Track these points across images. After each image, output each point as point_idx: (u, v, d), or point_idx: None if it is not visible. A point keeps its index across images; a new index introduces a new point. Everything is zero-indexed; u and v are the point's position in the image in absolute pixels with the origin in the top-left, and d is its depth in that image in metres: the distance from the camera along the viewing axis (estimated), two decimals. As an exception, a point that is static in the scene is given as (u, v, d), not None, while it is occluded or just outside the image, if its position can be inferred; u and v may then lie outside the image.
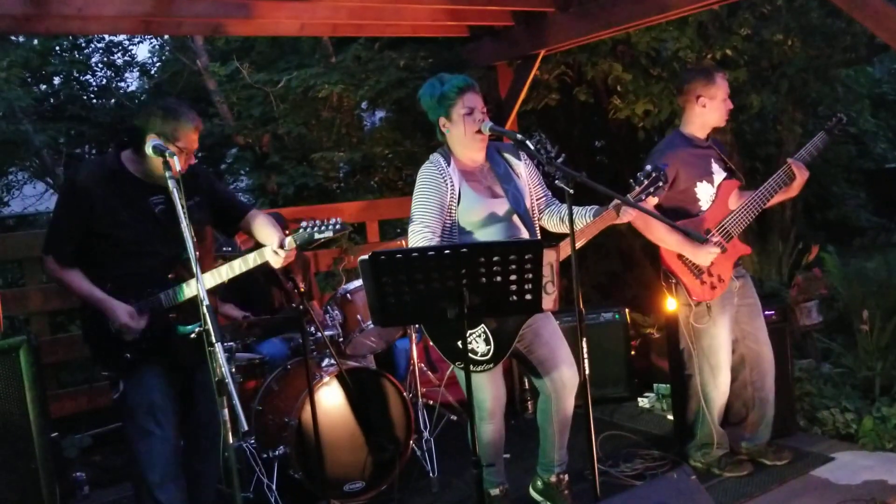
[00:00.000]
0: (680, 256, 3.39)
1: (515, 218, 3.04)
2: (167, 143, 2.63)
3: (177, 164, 2.40)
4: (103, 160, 2.81)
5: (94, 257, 2.74)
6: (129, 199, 2.72)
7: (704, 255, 3.33)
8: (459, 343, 2.88)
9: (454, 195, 2.97)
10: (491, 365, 2.97)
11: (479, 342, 2.96)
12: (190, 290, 2.73)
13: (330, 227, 2.72)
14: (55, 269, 2.74)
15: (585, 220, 2.97)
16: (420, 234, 2.91)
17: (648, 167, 2.88)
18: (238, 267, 2.76)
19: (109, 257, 2.72)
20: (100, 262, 2.74)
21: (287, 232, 2.87)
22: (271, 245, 2.75)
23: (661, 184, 2.87)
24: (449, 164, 3.01)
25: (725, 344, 3.44)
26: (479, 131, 2.96)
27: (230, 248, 3.15)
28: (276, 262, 2.76)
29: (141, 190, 2.75)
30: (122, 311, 2.67)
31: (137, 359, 2.72)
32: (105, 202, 2.68)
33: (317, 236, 2.72)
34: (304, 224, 2.74)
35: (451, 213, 2.98)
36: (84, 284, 2.72)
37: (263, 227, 2.93)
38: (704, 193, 3.43)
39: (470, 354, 2.91)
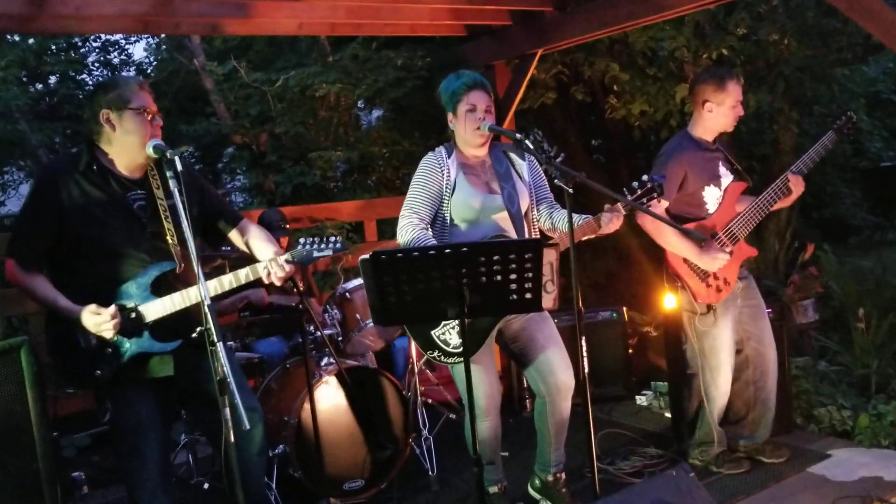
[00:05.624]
0: (685, 260, 3.37)
1: (506, 216, 3.05)
2: (120, 111, 2.48)
3: (178, 164, 2.31)
4: (75, 154, 2.59)
5: (65, 261, 2.53)
6: (103, 194, 2.51)
7: (714, 262, 3.31)
8: (433, 332, 2.97)
9: (449, 185, 3.00)
10: (462, 359, 2.96)
11: (452, 334, 2.98)
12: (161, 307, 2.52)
13: (329, 246, 2.56)
14: (17, 273, 2.50)
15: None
16: (406, 220, 2.95)
17: (644, 177, 2.83)
18: (228, 283, 2.56)
19: (82, 261, 2.51)
20: (70, 267, 2.53)
21: (283, 243, 2.73)
22: (266, 262, 2.57)
23: (654, 195, 2.83)
24: (450, 156, 3.05)
25: (727, 345, 3.43)
26: (478, 129, 2.99)
27: (229, 248, 3.12)
28: (271, 278, 2.57)
29: (117, 184, 2.55)
30: (87, 313, 2.43)
31: (111, 377, 2.51)
32: (76, 199, 2.48)
33: (315, 255, 2.56)
34: (301, 240, 2.57)
35: (444, 202, 3.01)
36: (49, 291, 2.50)
37: (259, 241, 2.76)
38: (711, 197, 3.41)
39: (442, 345, 2.96)
